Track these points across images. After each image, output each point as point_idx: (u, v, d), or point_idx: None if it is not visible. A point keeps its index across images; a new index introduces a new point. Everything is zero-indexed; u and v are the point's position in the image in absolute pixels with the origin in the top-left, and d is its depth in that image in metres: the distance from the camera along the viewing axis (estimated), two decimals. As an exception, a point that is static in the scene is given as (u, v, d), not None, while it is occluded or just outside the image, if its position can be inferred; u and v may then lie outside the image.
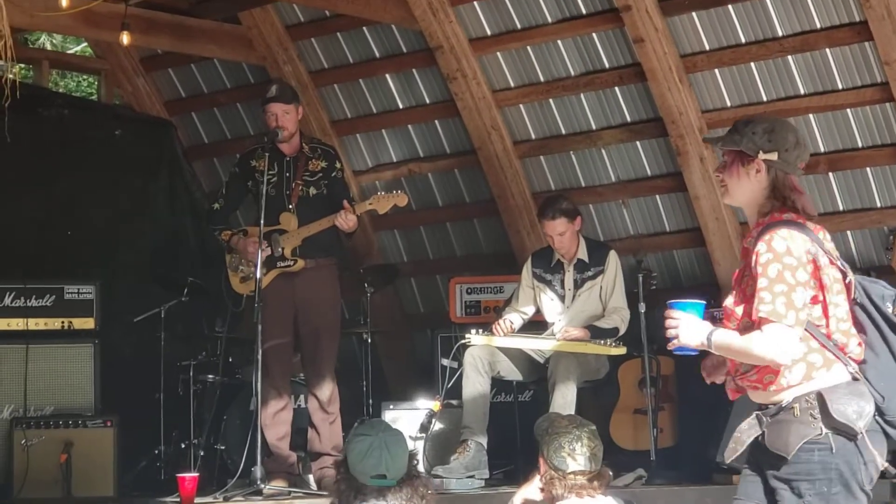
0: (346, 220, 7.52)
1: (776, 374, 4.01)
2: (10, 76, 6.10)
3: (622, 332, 8.01)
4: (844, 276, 4.08)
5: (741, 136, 4.18)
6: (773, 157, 4.12)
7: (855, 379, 4.00)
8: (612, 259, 8.15)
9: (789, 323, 3.92)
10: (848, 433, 3.92)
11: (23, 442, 7.79)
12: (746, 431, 4.14)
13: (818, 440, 3.93)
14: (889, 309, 4.06)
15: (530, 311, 8.25)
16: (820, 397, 3.95)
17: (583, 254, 8.15)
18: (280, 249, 7.64)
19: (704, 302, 4.18)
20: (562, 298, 8.13)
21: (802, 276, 3.96)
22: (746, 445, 4.13)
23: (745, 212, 4.25)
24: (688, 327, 4.10)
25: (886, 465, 4.02)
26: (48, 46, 15.95)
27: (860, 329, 4.08)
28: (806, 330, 3.98)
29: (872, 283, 4.15)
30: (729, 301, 4.18)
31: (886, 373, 4.02)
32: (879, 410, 3.98)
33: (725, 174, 4.22)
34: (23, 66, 10.91)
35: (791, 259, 3.96)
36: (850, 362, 4.01)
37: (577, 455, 4.91)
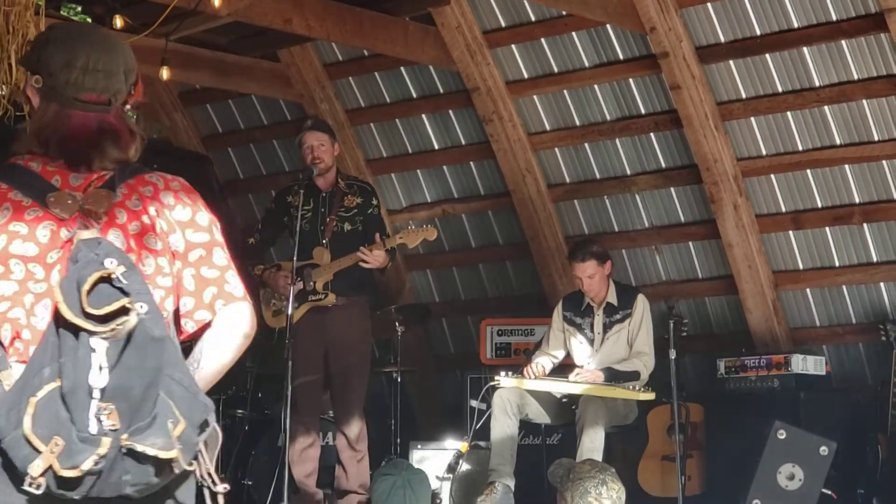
0: (372, 257, 7.51)
1: None
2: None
3: (644, 377, 7.95)
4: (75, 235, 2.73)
5: None
6: (37, 82, 2.86)
7: None
8: (640, 303, 8.13)
9: None
10: None
11: (51, 471, 7.81)
12: None
13: None
14: (81, 298, 2.52)
15: (560, 354, 8.24)
16: None
17: (612, 297, 8.15)
18: (312, 284, 7.65)
19: None
20: (591, 342, 8.12)
21: None
22: None
23: None
24: None
25: None
26: (88, 79, 16.08)
27: None
28: None
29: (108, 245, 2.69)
30: None
31: (25, 375, 2.57)
32: None
33: None
34: (63, 98, 10.98)
35: None
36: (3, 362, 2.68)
37: (603, 499, 4.90)
